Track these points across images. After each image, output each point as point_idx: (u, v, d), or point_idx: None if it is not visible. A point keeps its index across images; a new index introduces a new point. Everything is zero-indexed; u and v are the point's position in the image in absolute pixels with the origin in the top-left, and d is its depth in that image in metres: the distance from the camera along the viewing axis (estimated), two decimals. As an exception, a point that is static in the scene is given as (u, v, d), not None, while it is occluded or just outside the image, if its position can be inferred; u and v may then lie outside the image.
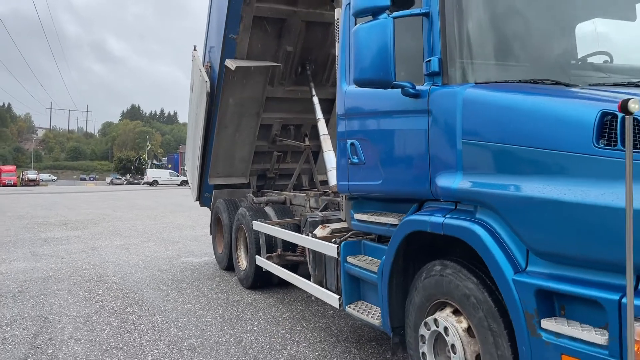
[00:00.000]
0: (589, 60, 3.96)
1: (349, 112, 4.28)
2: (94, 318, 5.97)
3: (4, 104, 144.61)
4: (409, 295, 3.62)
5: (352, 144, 4.23)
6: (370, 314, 4.09)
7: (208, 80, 8.02)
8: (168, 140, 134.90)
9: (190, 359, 4.66)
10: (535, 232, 2.63)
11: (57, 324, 5.79)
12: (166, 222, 16.65)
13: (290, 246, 6.30)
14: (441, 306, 3.32)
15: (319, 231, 5.13)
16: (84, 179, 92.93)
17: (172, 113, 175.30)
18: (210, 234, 9.21)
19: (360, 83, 3.47)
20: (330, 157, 6.57)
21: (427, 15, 3.45)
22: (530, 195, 2.63)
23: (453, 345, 3.09)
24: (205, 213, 10.04)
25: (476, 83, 3.20)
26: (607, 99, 2.53)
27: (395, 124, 3.74)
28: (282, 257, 6.33)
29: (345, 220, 4.76)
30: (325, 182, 7.89)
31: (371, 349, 4.84)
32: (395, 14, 3.40)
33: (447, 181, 3.22)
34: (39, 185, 66.16)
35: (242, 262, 7.43)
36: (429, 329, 3.32)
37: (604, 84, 3.46)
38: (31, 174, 70.64)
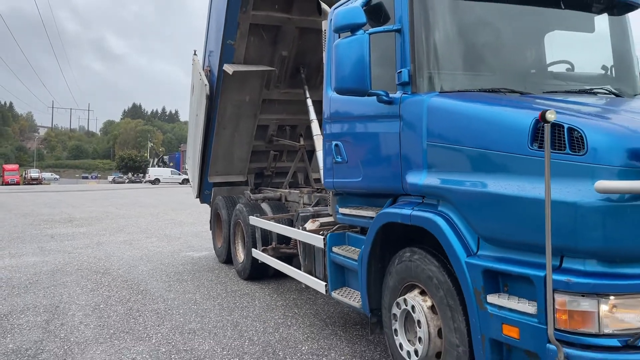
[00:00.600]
0: (550, 69, 4.42)
1: (332, 116, 4.74)
2: (101, 306, 6.43)
3: (5, 103, 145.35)
4: (384, 280, 4.07)
5: (336, 144, 4.68)
6: (352, 298, 4.55)
7: (207, 84, 8.45)
8: (169, 139, 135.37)
9: (191, 341, 5.12)
10: (483, 221, 3.09)
11: (67, 311, 6.25)
12: (168, 219, 17.11)
13: (284, 239, 6.76)
14: (411, 288, 3.77)
15: (309, 225, 5.58)
16: (86, 178, 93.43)
17: (173, 111, 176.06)
18: (210, 230, 9.68)
19: (340, 91, 3.93)
20: (322, 156, 7.01)
21: (399, 31, 3.89)
22: (479, 190, 3.09)
23: (419, 321, 3.55)
24: (206, 211, 10.49)
25: (440, 92, 3.66)
26: (544, 108, 2.98)
27: (372, 127, 4.20)
28: (277, 249, 6.79)
29: (332, 215, 5.22)
30: (319, 180, 8.33)
31: (355, 332, 5.30)
32: (370, 30, 3.86)
33: (415, 178, 3.67)
34: (41, 184, 66.64)
35: (240, 255, 7.89)
36: (400, 308, 3.77)
37: (556, 92, 3.93)
38: (34, 173, 71.16)
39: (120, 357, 4.74)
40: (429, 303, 3.55)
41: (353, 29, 3.81)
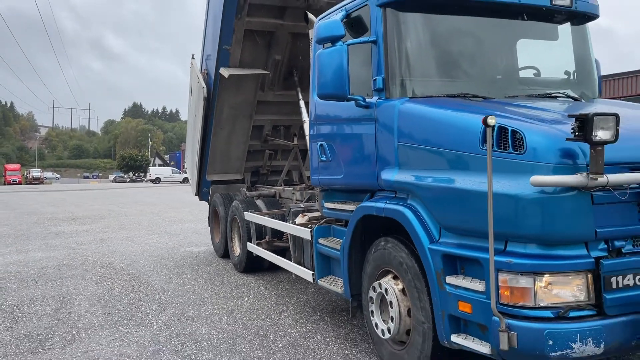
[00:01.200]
0: (516, 75, 4.82)
1: (317, 118, 5.16)
2: (106, 297, 6.87)
3: (6, 103, 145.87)
4: (363, 267, 4.50)
5: (321, 145, 5.11)
6: (336, 285, 4.97)
7: (205, 87, 8.87)
8: (170, 138, 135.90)
9: (189, 327, 5.55)
10: (444, 212, 3.51)
11: (74, 301, 6.68)
12: (168, 216, 17.55)
13: (278, 234, 7.18)
14: (385, 274, 4.20)
15: (299, 219, 6.00)
16: (87, 177, 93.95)
17: (174, 111, 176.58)
18: (209, 226, 10.11)
19: (322, 97, 4.36)
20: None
21: (374, 42, 4.31)
22: (440, 185, 3.52)
23: (391, 302, 3.98)
24: (205, 209, 10.91)
25: (410, 98, 4.07)
26: (494, 112, 3.40)
27: (352, 129, 4.62)
28: (270, 243, 7.21)
29: (319, 209, 5.64)
30: (312, 178, 8.76)
31: (341, 317, 5.73)
32: (349, 41, 4.28)
33: (388, 175, 4.10)
34: (43, 183, 67.16)
35: (236, 249, 8.32)
36: (375, 292, 4.20)
37: (517, 96, 4.35)
38: (35, 173, 71.67)
39: (124, 341, 5.16)
40: (400, 286, 3.98)
41: (333, 40, 4.23)
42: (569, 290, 2.96)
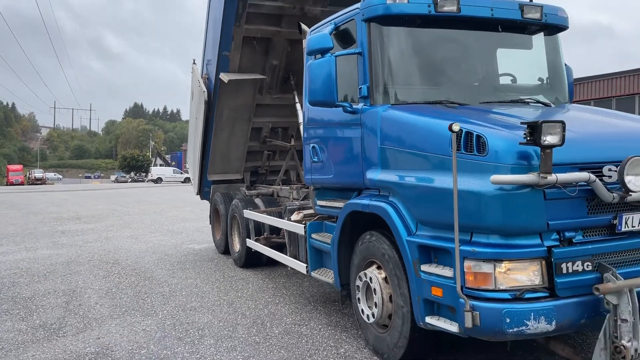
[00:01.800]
0: (492, 82, 5.23)
1: (309, 122, 5.59)
2: (113, 290, 7.30)
3: (7, 104, 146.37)
4: (351, 259, 4.92)
5: (313, 146, 5.53)
6: (327, 276, 5.40)
7: (205, 91, 9.30)
8: (171, 138, 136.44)
9: (192, 316, 5.98)
10: (420, 208, 3.94)
11: (83, 294, 7.11)
12: (171, 215, 17.98)
13: (275, 230, 7.60)
14: (370, 264, 4.62)
15: (294, 216, 6.43)
16: (89, 178, 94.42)
17: (175, 111, 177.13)
18: (210, 224, 10.54)
19: (313, 103, 4.79)
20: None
21: (360, 54, 4.73)
22: (416, 183, 3.95)
23: (375, 290, 4.40)
24: (206, 208, 11.31)
25: (392, 105, 4.49)
26: (462, 118, 3.82)
27: (340, 132, 5.05)
28: (268, 239, 7.64)
29: (312, 207, 6.06)
30: (308, 177, 9.17)
31: (333, 307, 6.16)
32: (337, 53, 4.70)
33: (372, 174, 4.52)
34: (45, 183, 67.59)
35: (236, 246, 8.75)
36: (361, 280, 4.63)
37: (490, 102, 4.77)
38: (38, 173, 72.17)
39: (132, 329, 5.59)
40: (383, 275, 4.40)
41: (322, 52, 4.66)
42: (525, 275, 3.38)
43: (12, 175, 68.60)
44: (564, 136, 3.23)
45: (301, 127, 8.52)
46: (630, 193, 3.39)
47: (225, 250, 9.43)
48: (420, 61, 4.80)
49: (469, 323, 3.37)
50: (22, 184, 66.64)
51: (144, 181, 68.54)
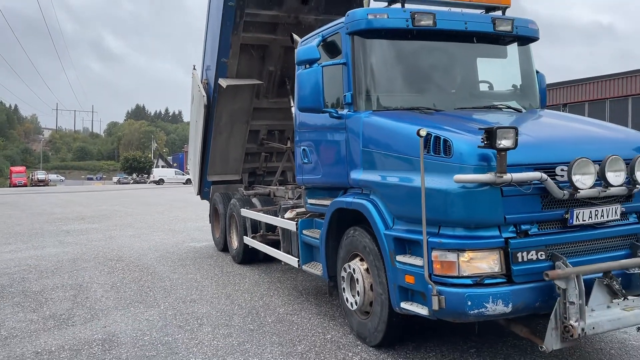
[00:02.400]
0: (469, 89, 5.65)
1: (299, 126, 6.03)
2: (118, 285, 7.73)
3: (10, 106, 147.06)
4: (338, 252, 5.35)
5: (303, 149, 5.97)
6: (317, 268, 5.82)
7: (205, 95, 9.73)
8: (173, 140, 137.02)
9: (192, 307, 6.41)
10: (395, 205, 4.38)
11: (90, 288, 7.55)
12: (172, 216, 18.43)
13: (271, 228, 8.03)
14: (354, 257, 5.05)
15: (288, 214, 6.86)
16: (91, 179, 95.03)
17: (176, 112, 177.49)
18: (210, 223, 10.99)
19: (302, 109, 5.23)
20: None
21: (345, 64, 5.16)
22: (392, 182, 4.38)
23: (358, 280, 4.83)
24: (206, 208, 11.73)
25: (373, 111, 4.92)
26: (434, 124, 4.25)
27: (327, 136, 5.48)
28: (264, 236, 8.07)
29: (303, 205, 6.50)
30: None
31: (323, 299, 6.60)
32: (323, 63, 5.13)
33: (355, 175, 4.95)
34: (48, 185, 68.09)
35: (234, 243, 9.19)
36: (346, 272, 5.06)
37: (464, 108, 5.19)
38: (40, 175, 72.78)
39: (136, 319, 6.02)
40: (364, 266, 4.83)
41: (310, 62, 5.10)
42: (485, 263, 3.80)
43: (15, 177, 69.15)
44: (516, 140, 3.65)
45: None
46: (578, 190, 3.82)
47: (224, 247, 9.87)
48: (400, 71, 5.23)
49: (436, 306, 3.80)
50: (25, 185, 67.12)
51: (146, 182, 69.01)
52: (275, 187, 9.59)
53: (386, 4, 5.18)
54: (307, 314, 5.98)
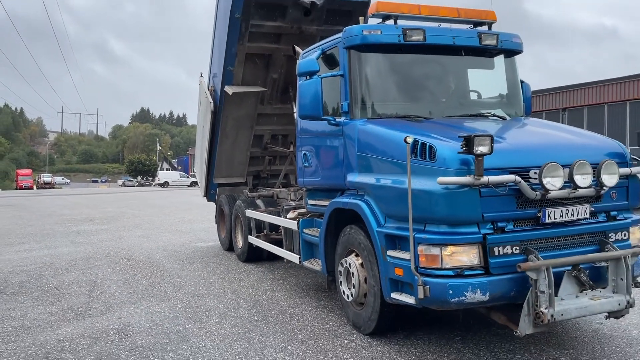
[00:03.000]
0: (459, 97, 6.10)
1: (301, 132, 6.50)
2: (130, 281, 8.20)
3: (16, 109, 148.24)
4: (335, 249, 5.79)
5: (304, 153, 6.43)
6: (316, 265, 6.28)
7: (212, 102, 10.20)
8: (177, 143, 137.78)
9: (200, 301, 6.87)
10: (386, 204, 4.82)
11: (103, 284, 8.02)
12: (178, 217, 18.91)
13: (274, 228, 8.49)
14: (350, 253, 5.49)
15: (290, 214, 7.31)
16: (96, 182, 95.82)
17: (181, 115, 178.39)
18: (215, 223, 11.45)
19: (302, 117, 5.69)
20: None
21: (342, 76, 5.62)
22: (384, 184, 4.83)
23: (353, 273, 5.29)
24: (211, 210, 12.22)
25: (368, 119, 5.38)
26: (422, 131, 4.70)
27: (325, 141, 5.94)
28: (268, 235, 8.53)
29: (304, 206, 6.95)
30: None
31: (323, 293, 7.05)
32: (322, 75, 5.59)
33: (351, 177, 5.41)
34: (54, 188, 68.73)
35: (239, 242, 9.65)
36: (343, 266, 5.51)
37: (453, 116, 5.64)
38: (46, 177, 73.57)
39: (149, 311, 6.48)
40: (359, 261, 5.28)
41: (310, 74, 5.56)
42: (465, 256, 4.24)
43: (22, 180, 69.84)
44: (492, 147, 4.09)
45: (298, 135, 9.46)
46: (548, 192, 4.26)
47: (230, 247, 10.33)
48: (393, 82, 5.69)
49: (421, 295, 4.24)
50: (31, 188, 67.74)
51: (150, 185, 69.65)
52: (278, 189, 10.04)
53: (380, 20, 5.64)
54: (307, 307, 6.43)
